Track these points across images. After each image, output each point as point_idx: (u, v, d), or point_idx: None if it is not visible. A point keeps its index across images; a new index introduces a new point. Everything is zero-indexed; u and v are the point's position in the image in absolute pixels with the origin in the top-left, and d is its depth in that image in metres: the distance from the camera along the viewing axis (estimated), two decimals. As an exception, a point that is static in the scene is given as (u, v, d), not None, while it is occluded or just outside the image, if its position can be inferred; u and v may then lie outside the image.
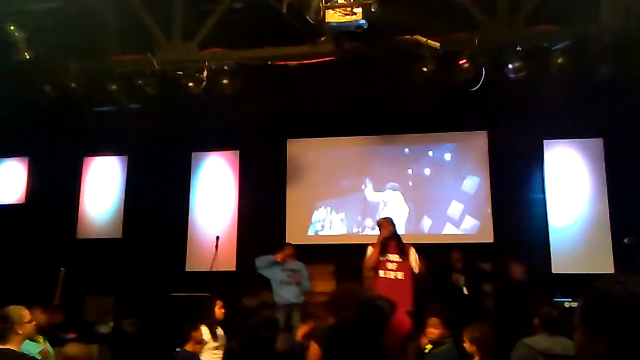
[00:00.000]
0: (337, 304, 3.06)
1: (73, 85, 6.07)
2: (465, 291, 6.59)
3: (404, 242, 5.97)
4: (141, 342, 3.17)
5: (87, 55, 6.21)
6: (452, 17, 5.43)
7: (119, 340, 3.13)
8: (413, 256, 5.80)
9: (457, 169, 8.00)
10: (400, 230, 7.61)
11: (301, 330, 4.09)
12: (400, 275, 5.69)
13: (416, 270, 5.76)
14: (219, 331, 5.17)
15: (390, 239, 5.82)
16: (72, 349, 3.13)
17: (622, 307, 1.26)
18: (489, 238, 7.61)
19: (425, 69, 5.58)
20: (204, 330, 4.97)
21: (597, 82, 5.82)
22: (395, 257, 5.77)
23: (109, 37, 6.16)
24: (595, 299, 1.32)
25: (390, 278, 5.69)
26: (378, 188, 8.15)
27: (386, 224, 5.94)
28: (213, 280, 6.97)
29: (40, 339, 4.40)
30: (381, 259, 5.76)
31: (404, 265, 5.73)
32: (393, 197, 8.09)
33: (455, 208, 7.89)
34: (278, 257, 7.01)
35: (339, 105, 7.27)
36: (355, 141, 8.39)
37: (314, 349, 2.97)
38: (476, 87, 5.54)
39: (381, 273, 5.74)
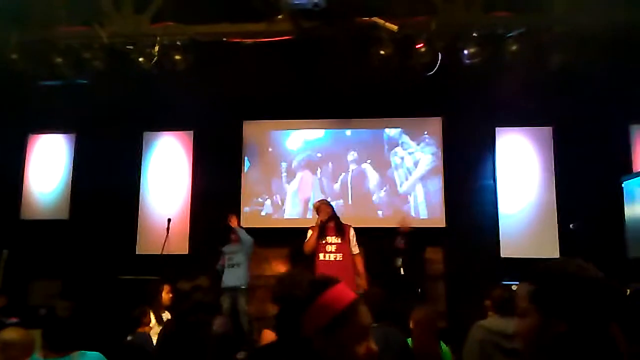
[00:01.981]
0: (282, 293, 3.01)
1: (13, 56, 5.74)
2: (401, 272, 6.68)
3: (349, 224, 5.97)
4: (76, 326, 2.99)
5: (30, 25, 5.88)
6: (411, 1, 5.41)
7: (51, 325, 2.95)
8: (352, 237, 5.80)
9: (411, 154, 8.07)
10: (352, 213, 7.72)
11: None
12: (339, 256, 5.68)
13: (355, 250, 5.77)
14: (166, 315, 5.06)
15: (328, 221, 5.80)
16: (9, 334, 2.94)
17: (579, 283, 1.30)
18: (441, 223, 7.73)
19: (382, 52, 5.56)
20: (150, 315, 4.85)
21: (548, 71, 5.95)
22: (333, 239, 5.75)
23: (54, 6, 5.85)
24: (549, 281, 1.33)
25: (329, 260, 5.67)
26: (332, 171, 8.15)
27: (323, 206, 5.91)
28: (164, 264, 6.80)
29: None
30: (321, 242, 5.73)
31: (342, 246, 5.72)
32: (346, 180, 8.10)
33: (408, 193, 7.98)
34: (234, 237, 6.97)
35: (295, 87, 7.18)
36: (312, 124, 8.32)
37: (267, 335, 2.91)
38: (432, 72, 5.57)
39: (321, 256, 5.71)
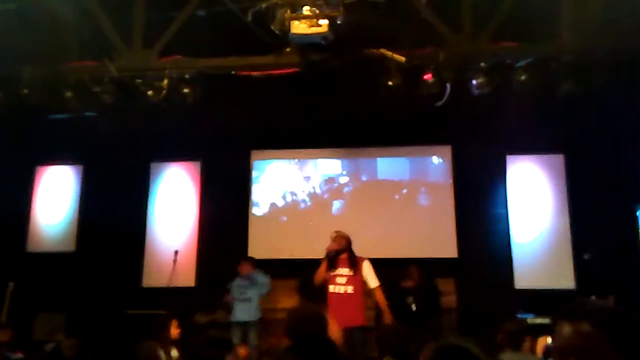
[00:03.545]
0: (294, 326, 2.93)
1: (25, 91, 5.77)
2: (413, 308, 6.58)
3: (364, 256, 5.84)
4: None
5: (42, 60, 5.93)
6: (419, 32, 5.42)
7: None
8: (367, 270, 5.65)
9: (421, 182, 8.00)
10: (363, 244, 7.60)
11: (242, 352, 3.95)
12: (350, 289, 5.52)
13: (372, 284, 5.62)
14: (174, 352, 4.93)
15: (340, 253, 5.66)
16: None
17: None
18: (452, 254, 7.60)
19: (390, 83, 5.54)
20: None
21: (558, 99, 5.91)
22: (345, 271, 5.59)
23: (66, 42, 5.91)
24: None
25: (339, 293, 5.52)
26: (344, 200, 8.08)
27: (337, 237, 5.77)
28: (171, 297, 6.70)
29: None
30: (332, 273, 5.60)
31: (354, 279, 5.57)
32: (356, 210, 8.02)
33: (418, 222, 7.88)
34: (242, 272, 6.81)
35: (303, 117, 7.19)
36: (320, 153, 8.30)
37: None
38: (441, 102, 5.54)
39: (331, 288, 5.57)
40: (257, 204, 8.23)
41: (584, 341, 1.30)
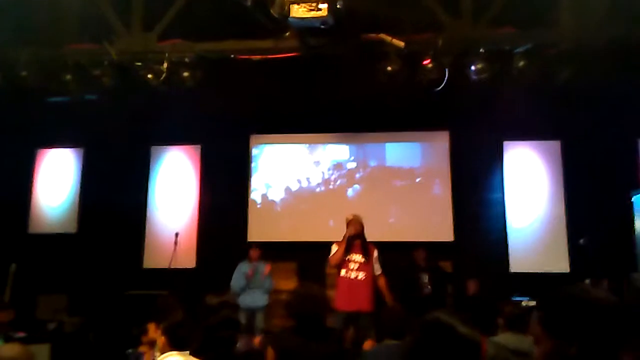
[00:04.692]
0: (296, 307, 3.01)
1: (24, 74, 5.79)
2: (429, 288, 6.66)
3: (373, 244, 5.92)
4: (84, 342, 2.98)
5: (40, 43, 5.94)
6: (418, 17, 5.42)
7: (60, 341, 2.92)
8: (376, 257, 5.76)
9: (418, 167, 8.05)
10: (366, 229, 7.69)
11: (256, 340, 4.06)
12: (361, 275, 5.62)
13: (378, 271, 5.73)
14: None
15: (355, 238, 5.74)
16: (7, 350, 2.87)
17: (585, 306, 1.35)
18: (449, 237, 7.69)
19: (389, 68, 5.56)
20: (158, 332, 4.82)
21: (556, 86, 5.94)
22: (358, 257, 5.69)
23: (64, 25, 5.91)
24: (556, 306, 1.36)
25: (350, 278, 5.63)
26: (340, 184, 8.14)
27: (354, 221, 5.80)
28: (171, 278, 6.80)
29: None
30: (345, 258, 5.68)
31: (366, 266, 5.67)
32: (355, 194, 8.09)
33: (415, 206, 7.95)
34: (249, 273, 6.75)
35: (302, 102, 7.21)
36: (319, 138, 8.34)
37: (270, 353, 2.91)
38: (439, 88, 5.56)
39: (342, 272, 5.67)
40: (256, 187, 8.29)
41: (533, 326, 1.43)
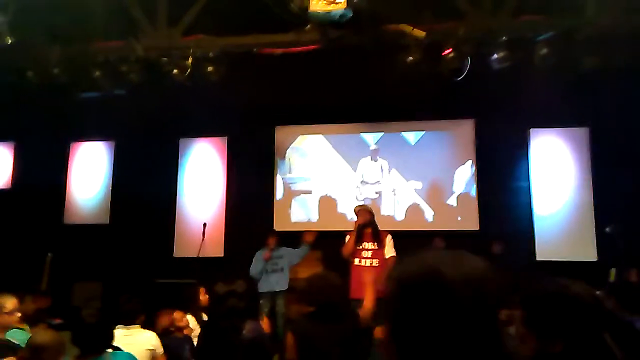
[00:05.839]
0: (311, 293, 3.10)
1: (55, 71, 6.01)
2: None
3: (388, 229, 5.99)
4: (104, 330, 3.11)
5: (70, 40, 6.14)
6: (438, 7, 5.40)
7: (80, 330, 3.06)
8: (389, 243, 5.79)
9: (444, 156, 8.03)
10: (388, 217, 7.75)
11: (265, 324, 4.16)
12: (375, 262, 5.68)
13: (387, 254, 5.73)
14: (204, 317, 5.20)
15: (366, 227, 5.80)
16: (41, 337, 2.88)
17: (564, 301, 1.36)
18: (474, 226, 7.67)
19: (410, 58, 5.56)
20: (190, 319, 5.00)
21: (582, 72, 5.83)
22: (370, 245, 5.76)
23: (92, 22, 6.08)
24: (536, 304, 1.37)
25: (365, 266, 5.68)
26: (364, 175, 8.19)
27: (362, 211, 5.92)
28: (200, 267, 6.99)
29: (27, 327, 4.38)
30: (357, 247, 5.75)
31: (378, 252, 5.72)
32: (379, 185, 8.13)
33: (441, 196, 7.95)
34: (266, 255, 6.93)
35: (325, 93, 7.24)
36: (343, 128, 8.39)
37: (290, 338, 3.01)
38: (461, 77, 5.53)
39: (356, 261, 5.73)
40: (281, 177, 8.41)
41: (517, 324, 1.43)
